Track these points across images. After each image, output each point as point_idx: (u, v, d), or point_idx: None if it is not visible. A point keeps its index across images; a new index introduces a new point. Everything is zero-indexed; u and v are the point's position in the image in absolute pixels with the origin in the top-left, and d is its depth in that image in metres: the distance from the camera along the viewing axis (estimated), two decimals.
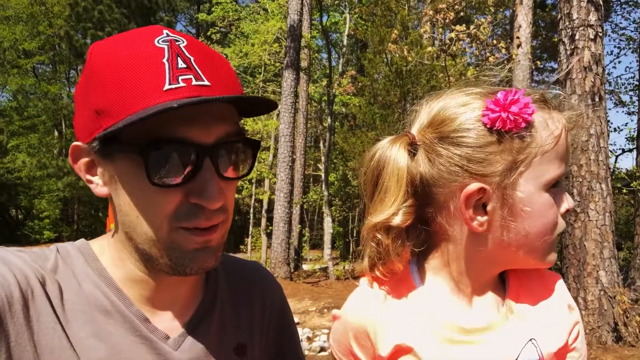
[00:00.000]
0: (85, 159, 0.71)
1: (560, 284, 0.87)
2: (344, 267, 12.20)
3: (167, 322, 0.75)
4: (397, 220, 0.79)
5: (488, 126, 0.74)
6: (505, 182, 0.74)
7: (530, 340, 0.78)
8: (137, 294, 0.73)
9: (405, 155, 0.79)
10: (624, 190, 8.88)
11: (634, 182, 8.31)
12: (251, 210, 13.35)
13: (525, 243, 0.76)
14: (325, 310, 8.13)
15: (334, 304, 8.28)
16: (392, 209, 0.79)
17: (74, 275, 0.72)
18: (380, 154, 0.81)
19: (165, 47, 0.65)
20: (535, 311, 0.82)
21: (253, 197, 13.05)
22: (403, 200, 0.79)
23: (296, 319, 7.88)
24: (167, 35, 0.68)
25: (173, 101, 0.61)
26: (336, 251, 16.43)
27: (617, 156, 12.34)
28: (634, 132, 10.36)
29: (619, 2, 15.43)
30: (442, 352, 0.77)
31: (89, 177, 0.71)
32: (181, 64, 0.65)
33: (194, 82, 0.64)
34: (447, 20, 9.87)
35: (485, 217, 0.76)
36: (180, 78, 0.64)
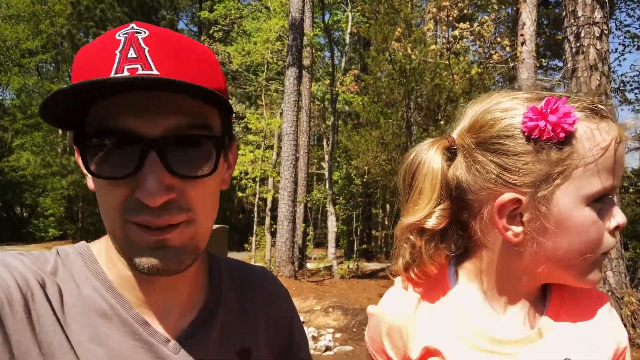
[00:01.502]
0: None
1: (607, 307, 0.83)
2: (348, 266, 12.20)
3: (168, 325, 0.74)
4: (430, 223, 0.78)
5: (526, 134, 0.72)
6: (540, 193, 0.71)
7: (565, 359, 0.75)
8: (135, 297, 0.72)
9: (440, 158, 0.79)
10: (630, 190, 8.85)
11: None
12: (255, 209, 13.35)
13: (563, 259, 0.73)
14: (330, 309, 8.12)
15: (339, 303, 8.28)
16: (425, 211, 0.78)
17: (73, 278, 0.71)
18: (416, 155, 0.81)
19: (123, 38, 0.65)
20: (574, 331, 0.78)
21: (257, 195, 13.05)
22: (437, 203, 0.78)
23: (301, 318, 7.96)
24: (132, 28, 0.66)
25: (87, 80, 0.59)
26: (340, 250, 16.43)
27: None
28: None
29: (622, 0, 15.32)
30: (469, 359, 0.75)
31: (83, 170, 0.69)
32: (131, 54, 0.63)
33: (139, 71, 0.62)
34: (450, 18, 9.82)
35: (520, 228, 0.74)
36: (125, 67, 0.62)
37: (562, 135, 0.70)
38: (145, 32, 0.66)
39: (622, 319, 4.50)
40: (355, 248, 13.99)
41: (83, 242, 0.77)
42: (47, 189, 22.18)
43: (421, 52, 9.86)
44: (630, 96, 15.90)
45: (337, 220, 13.95)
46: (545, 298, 0.81)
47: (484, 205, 0.76)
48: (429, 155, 0.79)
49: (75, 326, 0.68)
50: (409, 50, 9.71)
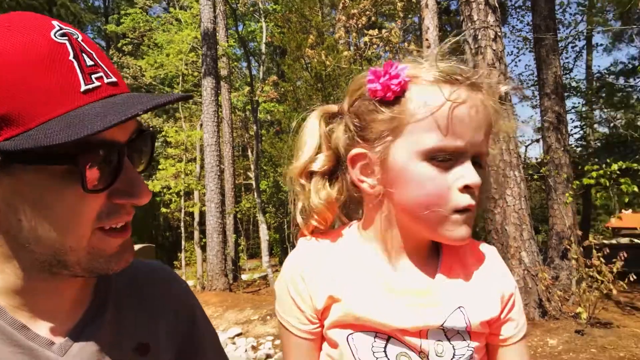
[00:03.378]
0: None
1: (494, 255, 0.89)
2: None
3: (52, 328, 0.70)
4: (315, 166, 0.87)
5: (369, 95, 0.79)
6: (378, 148, 0.78)
7: (459, 308, 0.80)
8: (16, 303, 0.68)
9: (319, 118, 0.89)
10: (535, 177, 9.70)
11: (543, 168, 9.10)
12: (182, 224, 12.92)
13: (411, 211, 0.78)
14: (268, 317, 8.03)
15: None
16: (309, 155, 0.87)
17: None
18: (305, 120, 0.91)
19: (66, 42, 0.60)
20: (466, 281, 0.84)
21: (183, 210, 12.65)
22: (318, 150, 0.88)
23: (238, 330, 7.79)
24: (60, 27, 0.62)
25: (121, 113, 0.58)
26: (275, 258, 16.32)
27: (526, 146, 13.46)
28: (539, 123, 11.29)
29: (513, 7, 16.84)
30: (369, 307, 0.79)
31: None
32: (88, 61, 0.62)
33: (105, 80, 0.63)
34: (359, 26, 10.23)
35: (372, 180, 0.81)
36: (93, 77, 0.61)
37: (389, 95, 0.76)
38: (78, 35, 0.63)
39: (538, 294, 4.92)
40: (289, 254, 13.92)
41: None
42: None
43: (335, 58, 10.15)
44: (528, 93, 17.40)
45: (269, 228, 13.86)
46: (439, 252, 0.87)
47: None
48: (311, 117, 0.89)
49: None
50: (324, 57, 9.96)
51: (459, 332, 0.80)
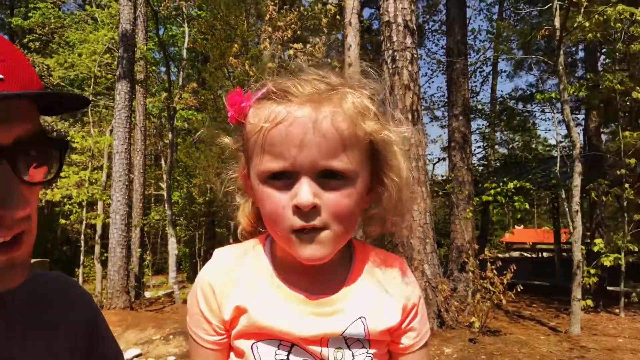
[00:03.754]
0: None
1: (402, 267, 0.90)
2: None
3: None
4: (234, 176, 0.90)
5: None
6: (247, 168, 0.83)
7: (360, 318, 0.82)
8: None
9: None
10: (440, 193, 10.24)
11: (447, 185, 9.62)
12: (82, 238, 11.93)
13: (268, 229, 0.81)
14: (171, 336, 7.64)
15: (180, 329, 7.82)
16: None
17: None
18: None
19: None
20: (371, 291, 0.85)
21: (84, 222, 11.69)
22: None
23: (138, 350, 7.31)
24: None
25: None
26: (183, 274, 15.61)
27: (434, 164, 14.17)
28: (446, 143, 11.93)
29: (430, 30, 17.91)
30: (272, 316, 0.80)
31: None
32: None
33: None
34: (285, 38, 10.22)
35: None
36: None
37: (236, 120, 0.81)
38: None
39: (437, 305, 5.14)
40: (199, 270, 13.38)
41: None
42: None
43: (258, 69, 10.06)
44: (438, 113, 18.47)
45: (179, 242, 13.25)
46: (352, 262, 0.87)
47: None
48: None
49: None
50: (247, 67, 9.84)
51: (359, 339, 0.82)
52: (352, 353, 0.82)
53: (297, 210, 0.73)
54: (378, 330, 0.83)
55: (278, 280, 0.84)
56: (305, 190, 0.72)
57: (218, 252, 0.89)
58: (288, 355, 0.81)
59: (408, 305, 0.86)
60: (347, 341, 0.82)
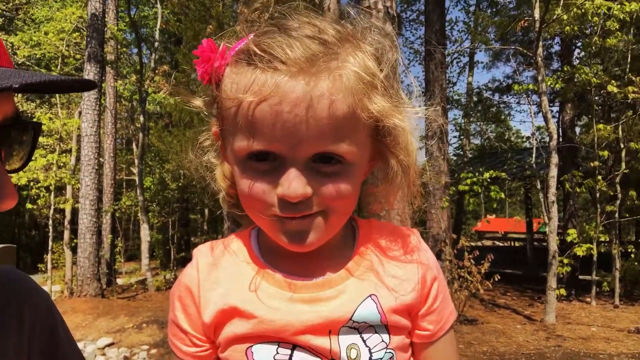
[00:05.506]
0: None
1: (414, 240, 0.79)
2: (164, 277, 11.44)
3: None
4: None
5: None
6: (224, 136, 0.70)
7: (370, 296, 0.71)
8: None
9: None
10: (418, 182, 10.36)
11: (425, 175, 9.67)
12: (50, 223, 11.54)
13: (246, 211, 0.71)
14: (144, 325, 7.50)
15: (154, 318, 7.68)
16: None
17: None
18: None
19: None
20: (380, 267, 0.74)
21: (52, 207, 11.29)
22: None
23: (110, 339, 7.13)
24: None
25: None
26: (155, 260, 15.33)
27: None
28: (423, 132, 12.04)
29: (407, 19, 17.93)
30: (265, 311, 0.69)
31: None
32: None
33: None
34: (262, 20, 10.03)
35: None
36: None
37: (205, 80, 0.68)
38: None
39: None
40: (172, 257, 13.18)
41: None
42: None
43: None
44: (414, 103, 18.60)
45: (151, 228, 12.96)
46: (355, 239, 0.77)
47: None
48: None
49: None
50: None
51: (374, 328, 0.71)
52: (369, 349, 0.70)
53: (283, 199, 0.63)
54: (394, 308, 0.71)
55: (268, 267, 0.73)
56: (294, 181, 0.61)
57: (196, 251, 0.79)
58: (290, 356, 0.69)
59: (427, 278, 0.76)
60: (361, 332, 0.70)
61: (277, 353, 0.69)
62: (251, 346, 0.70)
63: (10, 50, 14.07)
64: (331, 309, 0.69)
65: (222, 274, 0.74)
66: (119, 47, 14.28)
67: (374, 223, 0.79)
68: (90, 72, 10.09)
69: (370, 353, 0.70)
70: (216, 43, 0.67)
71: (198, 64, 0.67)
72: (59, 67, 13.62)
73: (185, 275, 0.76)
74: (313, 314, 0.69)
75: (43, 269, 12.93)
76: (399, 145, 0.69)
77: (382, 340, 0.71)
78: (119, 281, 12.37)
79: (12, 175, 0.63)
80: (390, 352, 0.71)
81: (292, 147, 0.61)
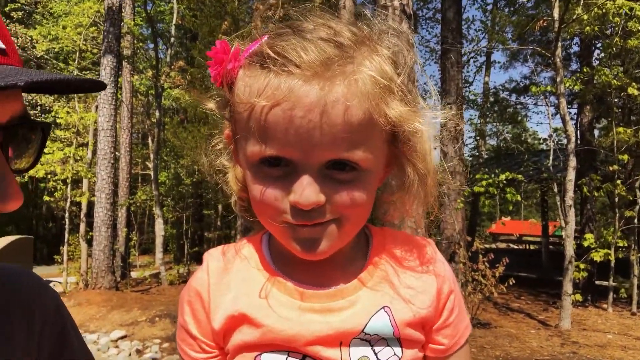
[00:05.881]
0: None
1: (429, 251, 0.77)
2: (178, 271, 11.52)
3: None
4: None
5: None
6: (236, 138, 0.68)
7: (383, 308, 0.69)
8: None
9: None
10: (445, 180, 10.28)
11: (439, 176, 9.58)
12: (67, 215, 11.71)
13: (258, 217, 0.69)
14: (157, 319, 7.57)
15: (167, 312, 7.75)
16: None
17: None
18: None
19: None
20: (395, 278, 0.73)
21: (69, 199, 11.46)
22: None
23: (123, 332, 7.21)
24: None
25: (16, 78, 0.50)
26: (169, 255, 15.47)
27: None
28: (438, 132, 11.99)
29: (424, 17, 17.76)
30: (274, 320, 0.68)
31: None
32: None
33: None
34: (277, 17, 10.00)
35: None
36: None
37: (217, 82, 0.67)
38: None
39: None
40: (186, 251, 13.28)
41: None
42: None
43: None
44: (430, 102, 18.45)
45: (166, 223, 13.07)
46: (369, 248, 0.76)
47: None
48: None
49: None
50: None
51: (386, 340, 0.69)
52: None
53: (295, 207, 0.61)
54: (408, 321, 0.70)
55: (279, 274, 0.72)
56: (307, 188, 0.60)
57: (207, 255, 0.78)
58: None
59: (443, 290, 0.74)
60: (373, 345, 0.69)
61: None
62: (260, 354, 0.69)
63: (29, 44, 14.26)
64: (343, 319, 0.68)
65: (233, 279, 0.73)
66: (135, 42, 14.39)
67: (388, 232, 0.78)
68: (106, 67, 10.18)
69: None
70: (230, 44, 0.66)
71: (211, 65, 0.66)
72: (76, 61, 13.79)
73: (196, 279, 0.75)
74: (324, 325, 0.68)
75: (59, 260, 13.12)
76: (416, 153, 0.68)
77: (395, 354, 0.69)
78: (133, 274, 12.52)
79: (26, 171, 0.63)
80: None
81: (306, 153, 0.59)
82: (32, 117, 0.59)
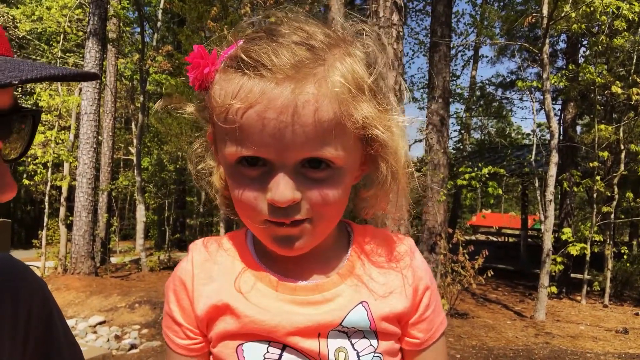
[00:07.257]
0: None
1: (408, 247, 0.80)
2: (158, 257, 11.43)
3: None
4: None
5: None
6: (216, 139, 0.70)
7: (361, 302, 0.72)
8: None
9: None
10: (416, 175, 10.31)
11: (424, 167, 9.68)
12: (46, 199, 11.53)
13: (238, 214, 0.72)
14: (137, 305, 7.52)
15: (146, 298, 7.71)
16: None
17: None
18: None
19: None
20: (373, 274, 0.76)
21: (49, 183, 11.27)
22: None
23: (102, 318, 7.14)
24: None
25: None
26: (150, 241, 15.34)
27: (410, 145, 14.27)
28: (424, 124, 12.00)
29: (413, 10, 17.74)
30: (256, 311, 0.70)
31: None
32: None
33: None
34: (267, 3, 9.89)
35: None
36: None
37: (196, 85, 0.68)
38: None
39: None
40: (167, 238, 13.19)
41: None
42: None
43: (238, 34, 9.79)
44: (417, 95, 18.55)
45: (147, 209, 12.94)
46: (349, 244, 0.78)
47: None
48: None
49: None
50: (226, 31, 9.53)
51: (363, 332, 0.72)
52: (357, 353, 0.71)
53: (272, 204, 0.64)
54: (384, 316, 0.73)
55: (262, 268, 0.74)
56: (283, 186, 0.63)
57: (192, 246, 0.81)
58: (280, 356, 0.71)
59: (419, 287, 0.77)
60: (350, 336, 0.72)
61: (267, 352, 0.71)
62: (242, 344, 0.71)
63: (11, 24, 13.90)
64: (321, 313, 0.71)
65: (217, 270, 0.75)
66: (121, 25, 14.14)
67: (369, 229, 0.80)
68: (91, 50, 10.00)
69: (358, 356, 0.71)
70: (207, 49, 0.68)
71: (189, 70, 0.69)
72: (60, 42, 13.49)
73: (180, 269, 0.78)
74: (304, 317, 0.70)
75: (37, 244, 12.92)
76: (387, 149, 0.70)
77: (370, 345, 0.72)
78: (113, 260, 12.41)
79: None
80: (378, 356, 0.72)
81: (280, 152, 0.62)
82: (21, 106, 0.59)
